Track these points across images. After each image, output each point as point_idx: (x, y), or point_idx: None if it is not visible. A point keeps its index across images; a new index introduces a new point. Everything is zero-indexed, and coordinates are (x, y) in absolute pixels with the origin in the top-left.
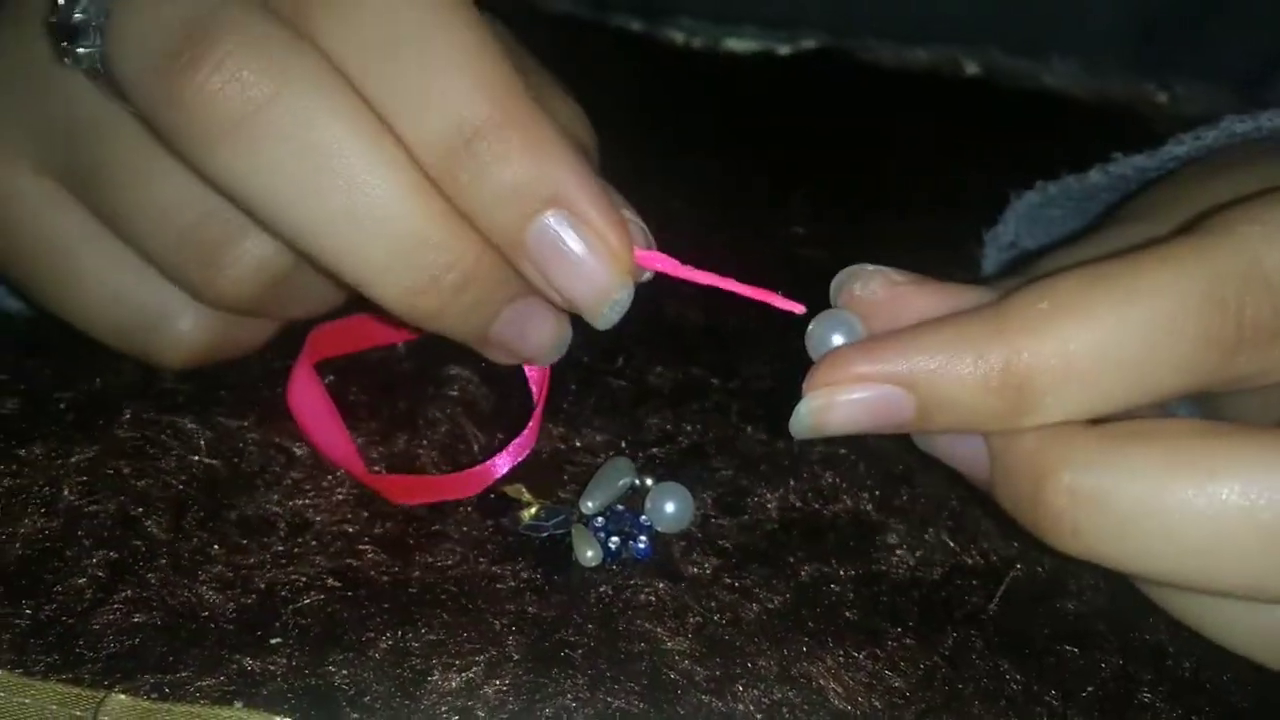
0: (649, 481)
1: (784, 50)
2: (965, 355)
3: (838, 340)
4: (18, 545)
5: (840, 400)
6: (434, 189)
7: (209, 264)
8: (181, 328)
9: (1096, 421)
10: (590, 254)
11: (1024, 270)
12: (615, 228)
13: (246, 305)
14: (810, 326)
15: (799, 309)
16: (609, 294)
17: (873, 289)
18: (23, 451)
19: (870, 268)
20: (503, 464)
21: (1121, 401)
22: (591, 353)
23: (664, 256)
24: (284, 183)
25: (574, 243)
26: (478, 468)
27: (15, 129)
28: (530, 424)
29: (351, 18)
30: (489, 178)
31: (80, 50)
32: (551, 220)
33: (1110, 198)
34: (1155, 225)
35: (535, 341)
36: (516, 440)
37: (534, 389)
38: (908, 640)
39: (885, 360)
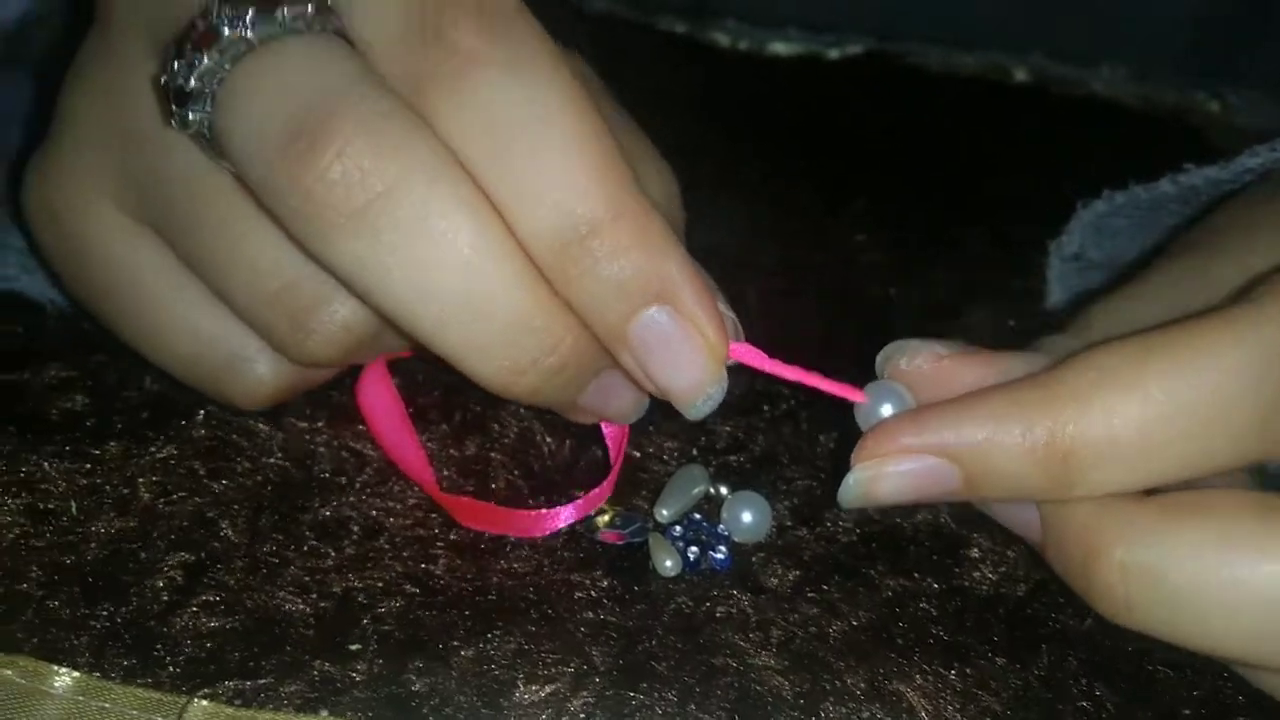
0: (723, 490)
1: (831, 54)
2: (1012, 427)
3: (887, 411)
4: (94, 545)
5: (888, 472)
6: (539, 275)
7: (298, 327)
8: (259, 372)
9: (1151, 491)
10: (690, 350)
11: (1079, 318)
12: (715, 324)
13: (329, 363)
14: (866, 395)
15: (860, 398)
16: (704, 389)
17: (918, 363)
18: (97, 450)
19: (915, 342)
20: (568, 516)
21: (1171, 476)
22: None
23: (754, 350)
24: (398, 270)
25: (675, 339)
26: (545, 513)
27: (101, 164)
28: (607, 480)
29: (469, 104)
30: (598, 273)
31: (190, 115)
32: (655, 315)
33: (1179, 209)
34: (1225, 256)
35: (618, 407)
36: (589, 494)
37: (610, 446)
38: (998, 659)
39: (931, 432)
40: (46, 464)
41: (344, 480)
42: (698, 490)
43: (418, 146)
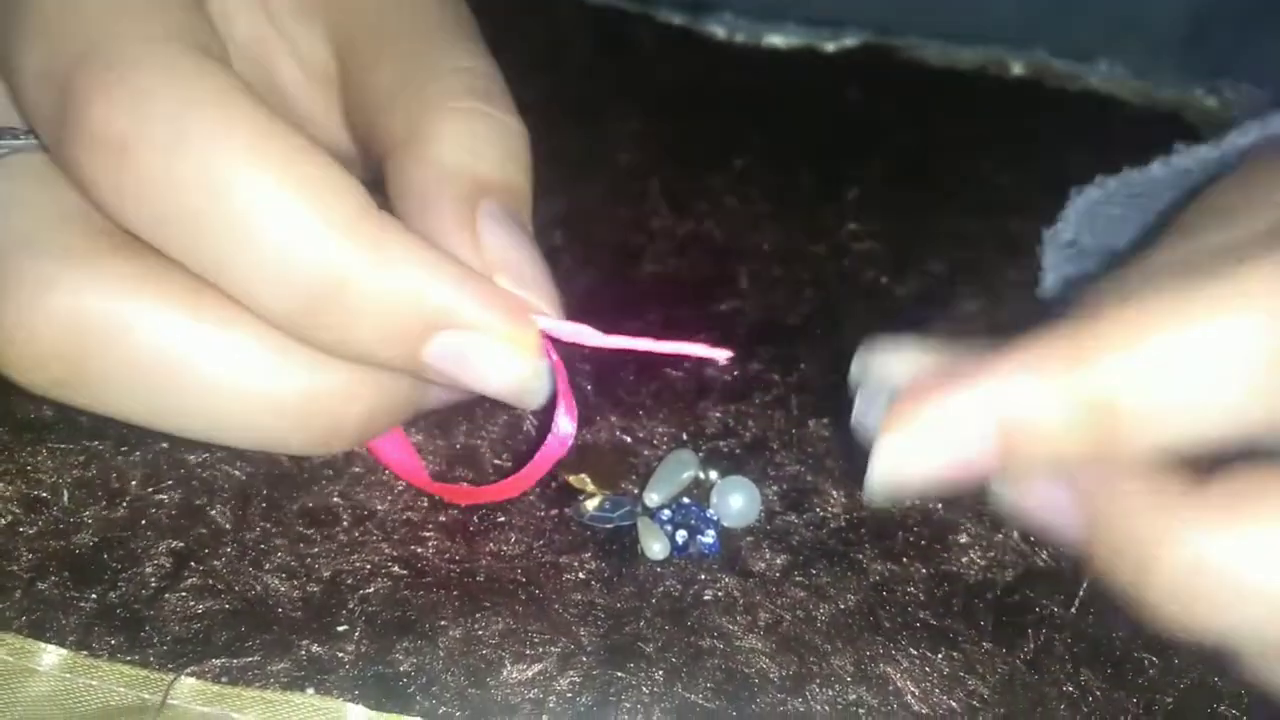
0: (713, 475)
1: (829, 47)
2: (1050, 377)
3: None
4: (84, 533)
5: (919, 440)
6: (298, 347)
7: None
8: None
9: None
10: (490, 355)
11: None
12: (506, 319)
13: None
14: (855, 405)
15: (724, 356)
16: (522, 383)
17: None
18: (90, 443)
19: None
20: (539, 467)
21: (1232, 429)
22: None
23: (572, 324)
24: (141, 408)
25: (471, 352)
26: (516, 477)
27: None
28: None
29: (153, 203)
30: (358, 332)
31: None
32: (440, 342)
33: (1173, 195)
34: (1229, 231)
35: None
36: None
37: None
38: (985, 644)
39: (963, 390)
40: (40, 455)
41: (333, 470)
42: (687, 475)
43: (92, 295)
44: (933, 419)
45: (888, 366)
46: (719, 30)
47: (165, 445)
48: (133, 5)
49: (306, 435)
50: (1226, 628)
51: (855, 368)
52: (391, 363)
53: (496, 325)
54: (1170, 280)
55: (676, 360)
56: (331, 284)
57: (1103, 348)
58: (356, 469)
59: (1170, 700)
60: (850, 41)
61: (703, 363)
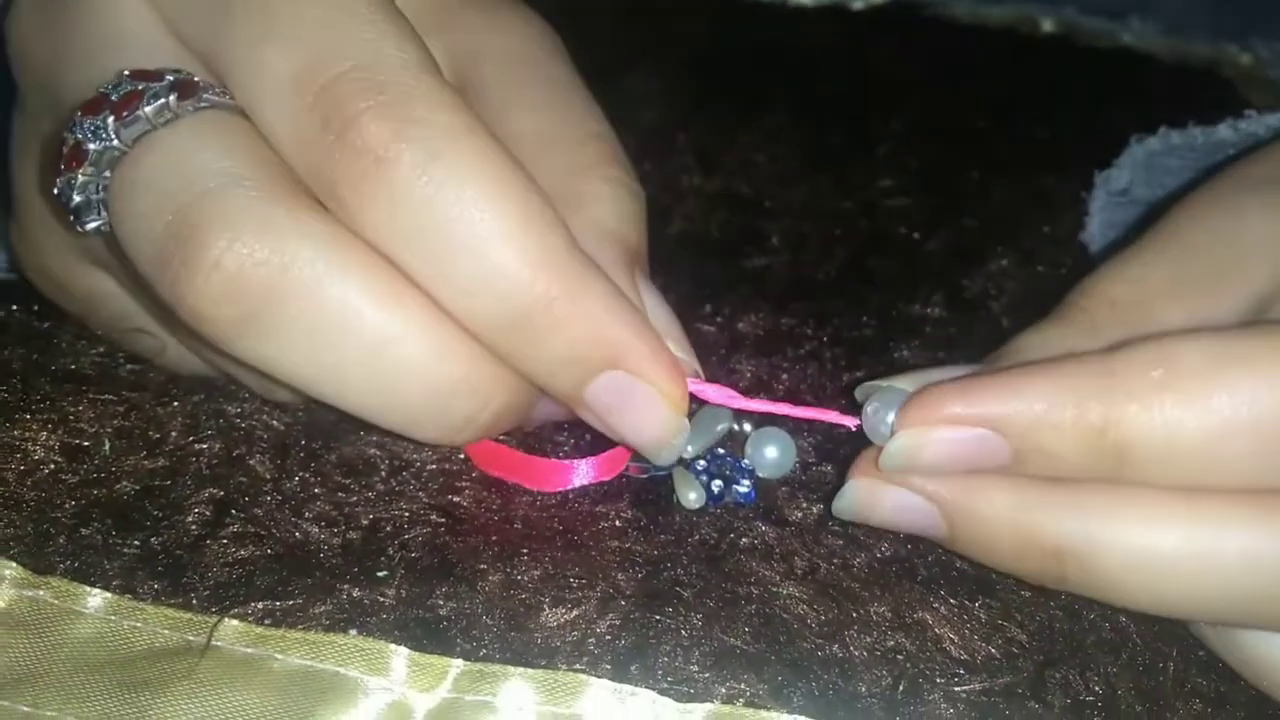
0: (747, 427)
1: (857, 5)
2: (1066, 407)
3: (893, 419)
4: (125, 482)
5: (934, 438)
6: (455, 335)
7: (263, 385)
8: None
9: None
10: (647, 405)
11: (1071, 296)
12: (669, 375)
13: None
14: (865, 407)
15: (852, 424)
16: (667, 438)
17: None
18: (130, 393)
19: (878, 384)
20: (584, 474)
21: (1224, 485)
22: (679, 296)
23: (717, 387)
24: (303, 362)
25: (631, 398)
26: (560, 464)
27: (66, 240)
28: (621, 449)
29: (383, 208)
30: (545, 350)
31: (88, 224)
32: (607, 381)
33: (1235, 156)
34: (1248, 217)
35: (561, 415)
36: (606, 455)
37: None
38: (1023, 592)
39: (983, 403)
40: (81, 405)
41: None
42: (721, 427)
43: (297, 242)
44: (946, 426)
45: (901, 382)
46: None
47: (203, 397)
48: (393, 29)
49: (443, 420)
50: (1103, 597)
51: (860, 391)
52: (559, 387)
53: (661, 378)
54: (1204, 341)
55: (710, 314)
56: (538, 307)
57: (1124, 394)
58: None
59: (1204, 651)
60: (877, 0)
61: (735, 316)
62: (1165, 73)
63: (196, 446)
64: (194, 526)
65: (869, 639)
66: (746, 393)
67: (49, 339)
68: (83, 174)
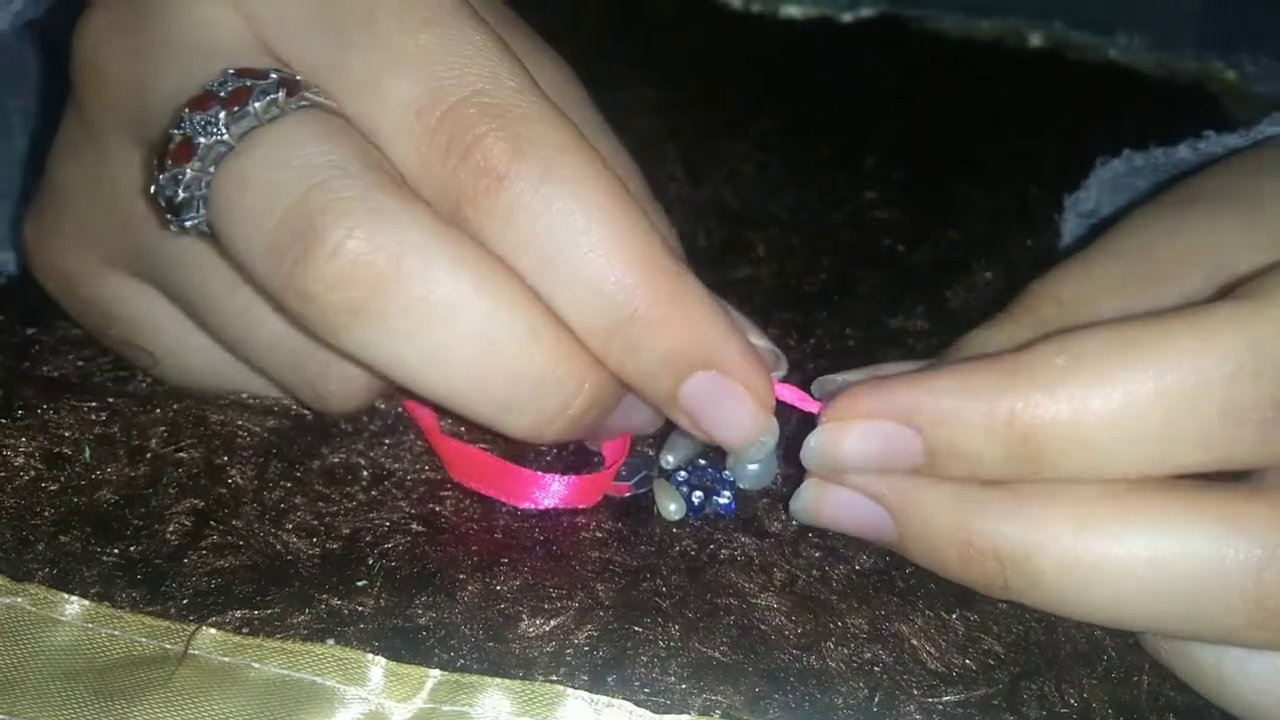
0: None
1: (845, 18)
2: (975, 401)
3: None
4: (105, 490)
5: (851, 432)
6: (551, 323)
7: (317, 389)
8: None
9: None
10: (738, 404)
11: (1020, 298)
12: (759, 377)
13: (359, 410)
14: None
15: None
16: (756, 436)
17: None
18: (111, 400)
19: (832, 377)
20: (557, 493)
21: (1136, 470)
22: None
23: (796, 390)
24: (412, 351)
25: (723, 397)
26: (535, 479)
27: (100, 238)
28: (600, 475)
29: (505, 223)
30: (644, 353)
31: (187, 223)
32: (701, 381)
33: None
34: (1186, 233)
35: (639, 422)
36: (580, 481)
37: (606, 450)
38: (1000, 604)
39: (894, 398)
40: (62, 412)
41: (353, 429)
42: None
43: (408, 230)
44: (861, 421)
45: (854, 375)
46: (734, 0)
47: (185, 404)
48: (504, 59)
49: (539, 409)
50: (1037, 602)
51: (815, 385)
52: (656, 388)
53: (751, 377)
54: (1107, 328)
55: None
56: (641, 310)
57: (1028, 383)
58: (375, 429)
59: None
60: (867, 12)
61: None
62: (1151, 87)
63: (177, 455)
64: (173, 536)
65: (846, 650)
66: None
67: (31, 345)
68: (191, 169)
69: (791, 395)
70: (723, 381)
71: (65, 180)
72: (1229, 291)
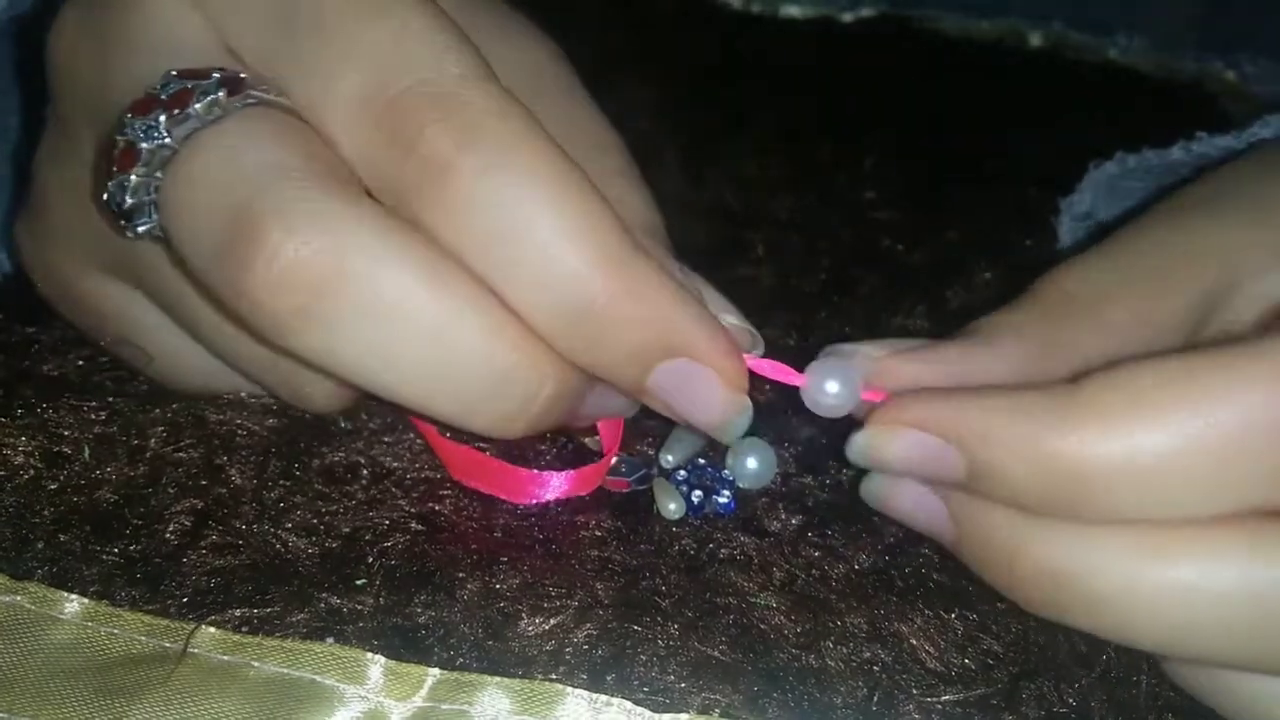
0: None
1: (845, 18)
2: (1022, 431)
3: (833, 387)
4: (105, 489)
5: (896, 438)
6: (508, 320)
7: (298, 389)
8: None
9: None
10: (708, 387)
11: (1032, 287)
12: (729, 356)
13: (341, 411)
14: (807, 375)
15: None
16: (730, 415)
17: (854, 363)
18: (111, 399)
19: (846, 346)
20: (558, 487)
21: (1188, 512)
22: None
23: (774, 364)
24: (365, 353)
25: (693, 381)
26: (536, 477)
27: (82, 241)
28: (598, 465)
29: (451, 213)
30: (606, 344)
31: (139, 228)
32: (668, 369)
33: (1192, 176)
34: (1204, 229)
35: (615, 407)
36: (582, 471)
37: (604, 437)
38: (999, 604)
39: (942, 412)
40: (61, 411)
41: (353, 427)
42: (703, 437)
43: (352, 231)
44: (908, 429)
45: (858, 349)
46: (734, 0)
47: (184, 403)
48: (454, 46)
49: (500, 405)
50: (1083, 623)
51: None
52: (623, 378)
53: (719, 360)
54: (1162, 365)
55: None
56: (600, 303)
57: (1080, 420)
58: (375, 428)
59: None
60: (867, 12)
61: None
62: (1151, 88)
63: (176, 454)
64: (173, 535)
65: (845, 650)
66: None
67: (30, 344)
68: (135, 174)
69: (770, 369)
70: (689, 367)
71: (48, 183)
72: (1270, 319)
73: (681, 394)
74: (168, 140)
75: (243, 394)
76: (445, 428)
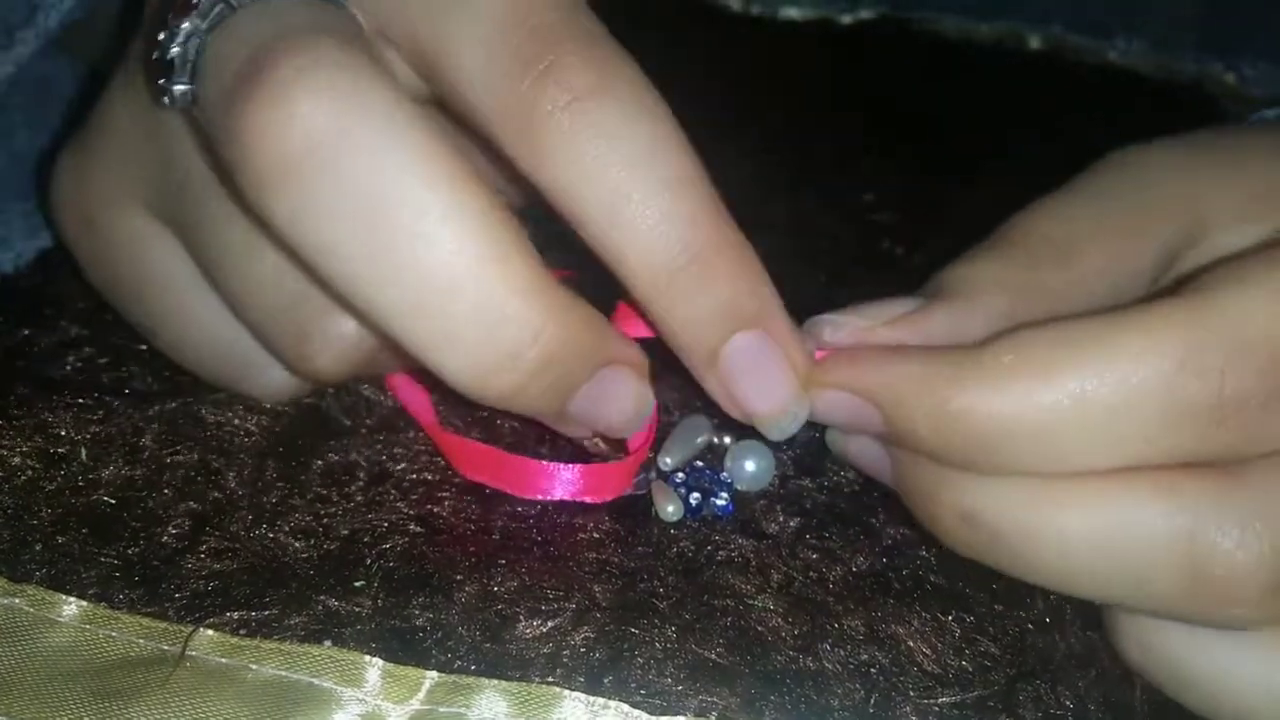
0: (726, 440)
1: (845, 20)
2: (928, 392)
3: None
4: (102, 491)
5: (822, 397)
6: (524, 254)
7: (301, 341)
8: (272, 377)
9: None
10: (778, 373)
11: (996, 233)
12: (801, 346)
13: (334, 378)
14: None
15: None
16: (789, 409)
17: (841, 336)
18: (108, 399)
19: (836, 315)
20: (568, 481)
21: (1084, 465)
22: None
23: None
24: (336, 233)
25: (765, 362)
26: (545, 468)
27: (135, 169)
28: (616, 465)
29: (585, 139)
30: (698, 299)
31: (176, 88)
32: (747, 340)
33: None
34: (1163, 187)
35: (613, 416)
36: (594, 468)
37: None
38: (996, 606)
39: (859, 375)
40: (58, 412)
41: (351, 425)
42: (701, 440)
43: (364, 93)
44: (835, 385)
45: (818, 339)
46: (734, 3)
47: (183, 403)
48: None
49: (485, 348)
50: (999, 563)
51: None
52: (700, 341)
53: (794, 349)
54: (1056, 327)
55: None
56: (706, 253)
57: (975, 378)
58: (373, 426)
59: None
60: (866, 14)
61: None
62: (1150, 90)
63: (174, 456)
64: (171, 539)
65: (842, 652)
66: None
67: (28, 345)
68: (189, 22)
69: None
70: (765, 345)
71: (117, 112)
72: (1185, 280)
73: (749, 375)
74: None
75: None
76: (441, 407)
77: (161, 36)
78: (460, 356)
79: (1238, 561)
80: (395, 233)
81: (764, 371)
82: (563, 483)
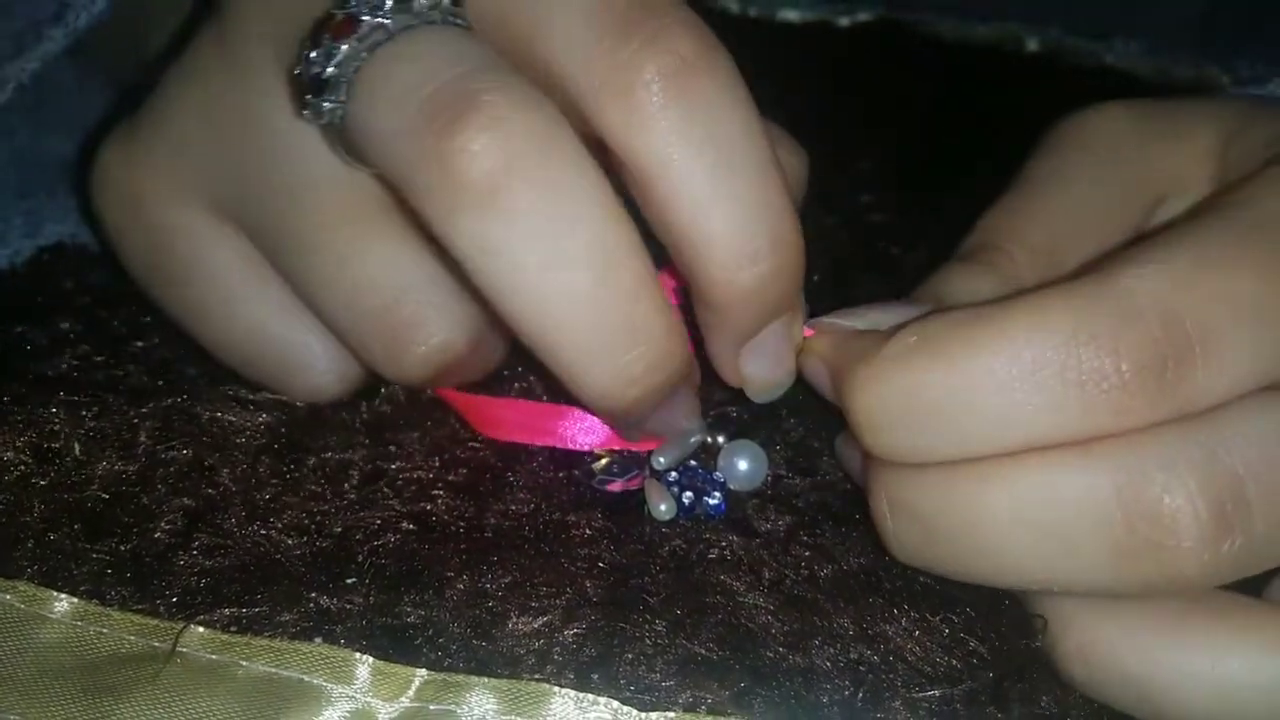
0: (720, 439)
1: (842, 21)
2: (853, 371)
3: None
4: (95, 487)
5: (805, 362)
6: (654, 276)
7: (395, 345)
8: (318, 376)
9: None
10: (788, 351)
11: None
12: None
13: (422, 383)
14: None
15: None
16: (785, 382)
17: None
18: (103, 395)
19: (825, 320)
20: (594, 427)
21: (994, 443)
22: None
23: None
24: (525, 257)
25: (783, 343)
26: (568, 411)
27: (199, 162)
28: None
29: (681, 107)
30: (769, 286)
31: (325, 105)
32: (779, 324)
33: None
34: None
35: (682, 419)
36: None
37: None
38: (984, 606)
39: (824, 351)
40: (52, 407)
41: (345, 423)
42: (695, 439)
43: (562, 136)
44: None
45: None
46: (732, 4)
47: (177, 400)
48: None
49: (625, 362)
50: (926, 559)
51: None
52: (746, 325)
53: (800, 329)
54: (959, 311)
55: (691, 332)
56: (769, 245)
57: (879, 359)
58: (369, 424)
59: None
60: (864, 16)
61: None
62: (1149, 93)
63: (168, 453)
64: (164, 535)
65: (832, 650)
66: (721, 402)
67: (21, 342)
68: (348, 45)
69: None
70: (787, 329)
71: (182, 101)
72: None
73: (769, 352)
74: (387, 23)
75: (239, 390)
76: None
77: (314, 54)
78: (600, 368)
79: (1166, 507)
80: (572, 261)
81: (779, 350)
82: (587, 428)
